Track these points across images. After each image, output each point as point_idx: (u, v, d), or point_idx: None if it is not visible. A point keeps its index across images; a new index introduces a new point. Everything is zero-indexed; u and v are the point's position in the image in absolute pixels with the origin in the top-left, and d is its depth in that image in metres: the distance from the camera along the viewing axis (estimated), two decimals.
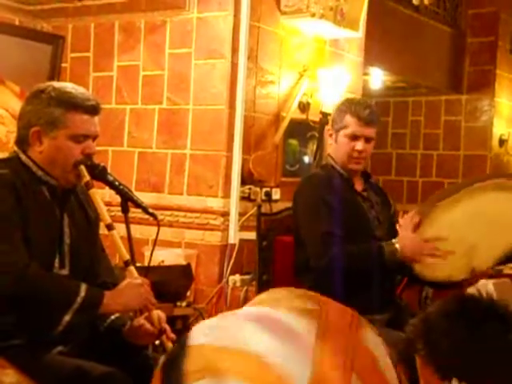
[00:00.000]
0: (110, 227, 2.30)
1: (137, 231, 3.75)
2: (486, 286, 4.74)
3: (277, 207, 4.04)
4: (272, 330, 0.89)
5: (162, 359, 1.04)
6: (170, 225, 4.19)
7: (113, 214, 2.45)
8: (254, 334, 0.88)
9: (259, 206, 3.93)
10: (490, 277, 5.09)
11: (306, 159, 4.64)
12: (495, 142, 7.36)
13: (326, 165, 3.19)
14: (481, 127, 7.34)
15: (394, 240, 2.87)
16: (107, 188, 2.41)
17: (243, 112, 4.12)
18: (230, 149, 4.11)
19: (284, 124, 4.40)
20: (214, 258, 4.10)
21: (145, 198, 2.99)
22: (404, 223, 2.89)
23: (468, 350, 1.40)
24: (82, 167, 2.30)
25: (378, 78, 6.92)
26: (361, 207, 3.06)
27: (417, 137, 7.70)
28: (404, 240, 2.85)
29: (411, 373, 1.49)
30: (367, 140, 3.02)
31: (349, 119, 3.00)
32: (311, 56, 4.57)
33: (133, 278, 2.27)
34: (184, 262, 4.04)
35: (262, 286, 3.33)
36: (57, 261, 2.28)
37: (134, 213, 2.46)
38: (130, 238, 2.33)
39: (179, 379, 0.92)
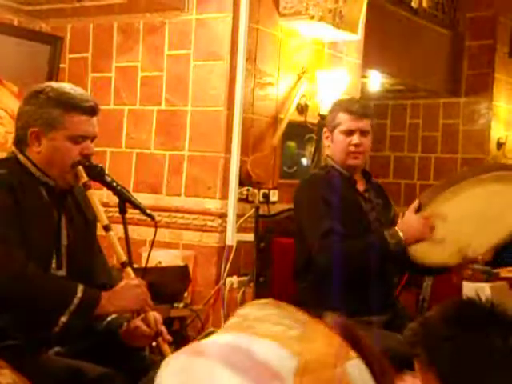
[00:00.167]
0: (107, 228, 2.29)
1: (134, 232, 3.74)
2: (484, 289, 4.75)
3: (275, 209, 4.03)
4: (244, 372, 0.82)
5: None
6: (168, 226, 4.19)
7: (110, 214, 2.45)
8: (224, 378, 0.82)
9: (257, 208, 3.92)
10: (487, 280, 5.10)
11: (304, 161, 4.64)
12: (493, 145, 7.37)
13: (326, 166, 3.20)
14: (479, 130, 7.35)
15: (395, 227, 2.89)
16: (105, 189, 2.41)
17: (241, 114, 4.12)
18: (228, 150, 4.11)
19: (282, 126, 4.40)
20: (212, 260, 4.10)
21: (143, 199, 2.98)
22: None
23: (469, 356, 1.40)
24: (80, 168, 2.30)
25: (377, 81, 6.93)
26: (362, 208, 3.06)
27: (415, 140, 7.70)
28: (404, 222, 2.86)
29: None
30: (363, 133, 3.03)
31: (341, 116, 3.03)
32: (310, 58, 4.57)
33: (130, 279, 2.27)
34: (181, 264, 4.03)
35: (260, 288, 3.33)
36: (54, 262, 2.28)
37: (132, 214, 2.46)
38: (127, 238, 2.33)
39: None
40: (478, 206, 2.88)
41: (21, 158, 2.31)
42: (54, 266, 2.28)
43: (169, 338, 2.27)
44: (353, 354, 0.86)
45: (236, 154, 4.11)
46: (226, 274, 4.04)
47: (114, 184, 2.38)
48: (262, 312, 0.89)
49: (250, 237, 3.68)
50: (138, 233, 3.88)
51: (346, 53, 4.84)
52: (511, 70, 7.57)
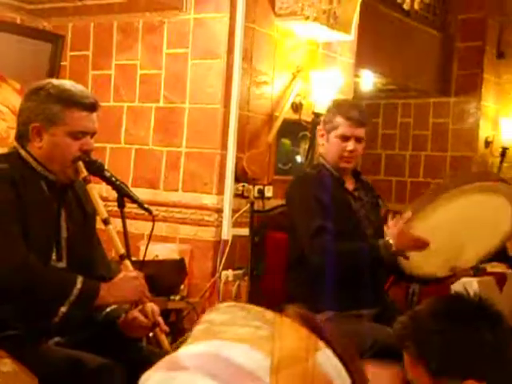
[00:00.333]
0: (106, 222, 2.30)
1: (132, 226, 3.73)
2: (471, 284, 4.76)
3: (269, 204, 4.04)
4: (224, 379, 0.82)
5: None
6: (165, 220, 4.18)
7: (109, 208, 2.44)
8: None
9: (252, 203, 3.93)
10: (475, 275, 5.11)
11: (298, 158, 4.64)
12: (481, 144, 7.38)
13: (318, 164, 3.20)
14: (467, 129, 7.36)
15: (387, 238, 2.87)
16: (104, 183, 2.41)
17: (238, 111, 4.12)
18: (224, 147, 4.11)
19: (277, 123, 4.39)
20: (208, 254, 4.09)
21: (141, 193, 2.98)
22: (395, 220, 2.89)
23: (459, 349, 1.41)
24: (80, 163, 2.30)
25: (369, 81, 6.92)
26: (351, 206, 3.06)
27: (406, 138, 7.71)
28: (395, 235, 2.84)
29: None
30: (358, 140, 3.02)
31: (339, 120, 3.01)
32: (304, 58, 4.57)
33: (128, 271, 2.27)
34: (178, 257, 4.03)
35: (254, 281, 3.33)
36: (54, 254, 2.28)
37: (130, 208, 2.46)
38: (125, 232, 2.33)
39: None
40: (463, 216, 2.87)
41: (22, 152, 2.30)
42: (54, 258, 2.27)
43: (166, 328, 2.28)
44: (321, 344, 0.87)
45: (232, 150, 4.11)
46: (221, 267, 4.04)
47: (113, 179, 2.38)
48: (227, 316, 0.89)
49: (245, 231, 3.69)
50: (135, 227, 3.87)
51: (339, 53, 4.83)
52: (499, 70, 7.58)
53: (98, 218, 2.39)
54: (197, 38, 4.21)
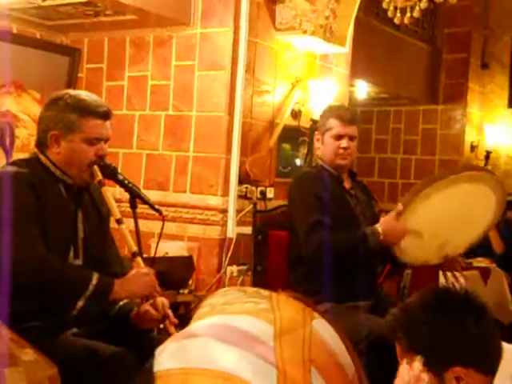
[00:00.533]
0: (119, 222, 2.29)
1: (144, 225, 3.73)
2: (458, 278, 4.74)
3: (271, 205, 4.03)
4: (234, 343, 0.83)
5: None
6: (174, 220, 4.18)
7: (122, 209, 2.44)
8: (219, 350, 0.81)
9: (255, 204, 3.92)
10: (461, 269, 5.11)
11: (298, 162, 4.63)
12: (467, 148, 7.38)
13: (316, 165, 3.19)
14: (454, 134, 7.35)
15: (376, 225, 2.87)
16: (117, 186, 2.41)
17: (241, 118, 4.11)
18: (228, 151, 4.11)
19: (278, 130, 4.39)
20: (214, 251, 4.09)
21: (151, 195, 2.98)
22: (388, 215, 2.89)
23: (445, 338, 1.40)
24: (96, 167, 2.29)
25: (363, 90, 6.92)
26: (348, 203, 3.06)
27: (397, 143, 7.70)
28: (386, 226, 2.84)
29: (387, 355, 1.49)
30: (350, 138, 3.03)
31: (332, 122, 3.02)
32: (303, 69, 4.56)
33: (140, 267, 2.26)
34: (186, 254, 4.03)
35: (257, 276, 3.32)
36: (71, 252, 2.28)
37: (142, 209, 2.45)
38: (137, 231, 2.32)
39: None
40: (453, 205, 2.86)
41: (42, 158, 2.30)
42: (71, 255, 2.27)
43: (175, 320, 2.27)
44: (315, 314, 0.89)
45: (236, 154, 4.10)
46: (226, 263, 4.04)
47: (126, 182, 2.38)
48: (227, 297, 0.90)
49: (248, 230, 3.68)
50: (147, 226, 3.87)
51: (335, 64, 4.83)
52: (483, 80, 7.58)
53: (112, 219, 2.38)
54: (203, 51, 4.21)
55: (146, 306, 2.27)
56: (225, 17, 4.12)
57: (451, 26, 7.24)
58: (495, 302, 5.13)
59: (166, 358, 0.84)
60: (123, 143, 4.46)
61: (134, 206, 2.35)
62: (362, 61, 5.67)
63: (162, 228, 2.40)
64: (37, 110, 4.07)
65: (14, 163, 2.32)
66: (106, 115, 2.33)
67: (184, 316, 3.78)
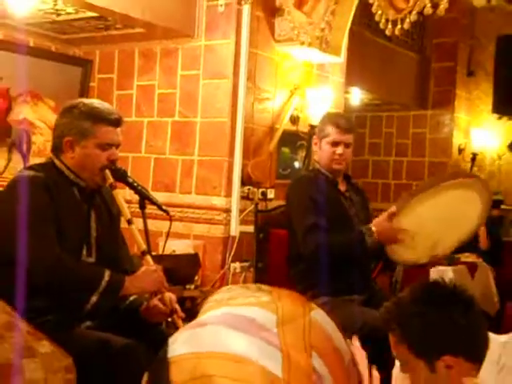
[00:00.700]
0: (129, 222, 2.29)
1: (152, 225, 3.69)
2: (447, 272, 4.75)
3: (271, 205, 4.03)
4: (242, 329, 0.84)
5: (144, 378, 0.92)
6: (181, 220, 4.18)
7: (132, 210, 2.44)
8: (229, 336, 0.83)
9: (256, 204, 3.92)
10: (450, 264, 5.11)
11: (297, 164, 4.63)
12: (455, 151, 7.38)
13: (313, 169, 3.19)
14: (443, 138, 7.35)
15: (369, 225, 2.87)
16: (127, 188, 2.41)
17: (243, 124, 4.11)
18: (231, 155, 4.10)
19: (278, 134, 4.39)
20: (218, 248, 4.09)
21: (159, 196, 2.98)
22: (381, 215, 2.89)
23: (435, 330, 1.40)
24: (107, 171, 2.29)
25: (357, 96, 6.92)
26: (343, 205, 3.05)
27: (389, 146, 7.70)
28: (379, 226, 2.84)
29: (381, 346, 1.49)
30: (346, 145, 3.03)
31: (330, 129, 3.01)
32: (301, 77, 4.56)
33: (149, 265, 2.26)
34: (192, 252, 4.03)
35: (259, 272, 3.32)
36: (85, 250, 2.27)
37: (150, 209, 2.45)
38: (146, 230, 2.32)
39: None
40: (442, 209, 2.86)
41: (57, 162, 2.30)
42: (84, 254, 2.27)
43: (182, 314, 2.27)
44: (313, 305, 0.91)
45: (238, 158, 4.10)
46: (230, 260, 4.04)
47: (135, 184, 2.38)
48: (231, 293, 0.91)
49: (250, 229, 3.68)
50: (155, 225, 3.86)
51: (331, 73, 4.83)
52: (470, 87, 7.58)
53: (123, 219, 2.38)
54: (207, 61, 4.21)
55: (155, 301, 2.27)
56: (227, 29, 4.12)
57: (439, 36, 7.24)
58: (482, 295, 5.13)
59: (179, 344, 0.86)
60: (132, 148, 4.46)
61: (143, 207, 2.35)
62: (356, 69, 5.66)
63: (170, 227, 2.40)
64: (52, 117, 4.07)
65: (31, 168, 2.32)
66: (117, 122, 2.33)
67: (190, 310, 3.78)
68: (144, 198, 2.37)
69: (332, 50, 4.42)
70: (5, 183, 2.38)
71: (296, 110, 4.49)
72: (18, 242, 2.05)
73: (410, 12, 3.47)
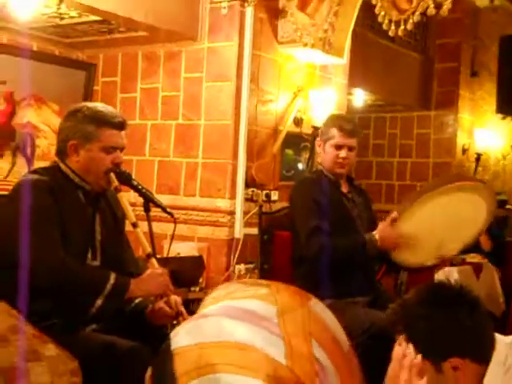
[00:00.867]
0: (134, 225, 2.29)
1: (157, 227, 3.70)
2: (452, 273, 4.74)
3: (275, 207, 4.03)
4: (243, 319, 0.85)
5: (148, 371, 0.93)
6: (185, 222, 4.18)
7: (137, 213, 2.44)
8: (231, 325, 0.83)
9: (260, 206, 3.92)
10: (454, 265, 5.10)
11: (300, 166, 4.63)
12: (459, 151, 7.36)
13: (317, 170, 3.19)
14: (447, 138, 7.34)
15: (374, 232, 2.87)
16: (132, 191, 2.41)
17: (247, 126, 4.11)
18: (235, 157, 4.11)
19: (281, 136, 4.39)
20: (223, 250, 4.09)
21: (164, 199, 2.97)
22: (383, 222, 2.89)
23: (443, 331, 1.40)
24: (112, 174, 2.30)
25: (361, 98, 6.91)
26: (345, 206, 3.05)
27: (393, 147, 7.69)
28: (382, 233, 2.84)
29: (388, 347, 1.49)
30: (350, 149, 3.02)
31: (334, 132, 3.01)
32: (304, 79, 4.56)
33: (154, 268, 2.26)
34: (197, 254, 4.03)
35: (263, 274, 3.32)
36: (90, 254, 2.28)
37: (155, 212, 2.45)
38: (151, 233, 2.32)
39: None
40: (445, 213, 2.86)
41: (62, 166, 2.31)
42: (89, 257, 2.27)
43: (188, 317, 2.26)
44: (311, 296, 0.93)
45: (242, 160, 4.11)
46: (234, 262, 4.04)
47: (140, 187, 2.38)
48: (229, 289, 0.93)
49: (254, 231, 3.68)
50: (160, 228, 3.86)
51: (334, 74, 4.83)
52: (473, 88, 7.56)
53: (127, 222, 2.39)
54: (210, 63, 4.21)
55: (161, 304, 2.27)
56: (230, 32, 4.13)
57: (442, 37, 7.23)
58: (487, 295, 5.12)
59: (182, 336, 0.87)
60: (136, 151, 4.47)
61: (147, 210, 2.35)
62: (359, 71, 5.66)
63: (174, 230, 2.40)
64: (56, 121, 4.08)
65: (35, 171, 2.33)
66: (121, 125, 2.33)
67: (195, 312, 3.78)
68: (148, 201, 2.37)
69: (335, 51, 4.42)
70: (9, 187, 2.38)
71: (299, 112, 4.49)
72: (23, 245, 2.06)
73: (413, 13, 3.46)
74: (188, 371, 0.81)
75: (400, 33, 3.55)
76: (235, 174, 4.10)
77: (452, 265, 5.06)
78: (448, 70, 7.23)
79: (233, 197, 4.10)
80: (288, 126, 4.42)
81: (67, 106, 2.51)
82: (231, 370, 0.79)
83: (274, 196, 4.30)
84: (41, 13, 3.96)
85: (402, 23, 3.51)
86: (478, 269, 5.39)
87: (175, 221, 2.42)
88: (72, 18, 4.10)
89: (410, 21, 3.48)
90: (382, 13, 3.55)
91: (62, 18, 4.12)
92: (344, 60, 4.64)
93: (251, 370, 0.79)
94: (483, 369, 1.43)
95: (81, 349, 2.05)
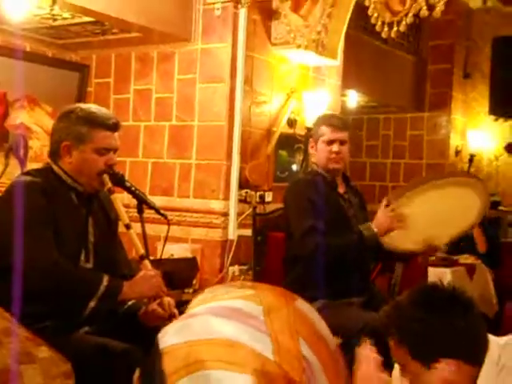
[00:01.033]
0: (128, 226, 2.29)
1: (150, 229, 3.68)
2: (446, 274, 4.75)
3: (269, 208, 4.02)
4: (231, 317, 0.86)
5: (137, 372, 0.94)
6: (179, 223, 4.17)
7: (130, 214, 2.43)
8: (219, 323, 0.84)
9: (254, 207, 3.92)
10: (447, 266, 5.11)
11: (294, 167, 4.63)
12: (452, 152, 7.39)
13: (312, 171, 3.20)
14: (440, 140, 7.36)
15: (368, 223, 2.90)
16: (125, 193, 2.40)
17: (240, 127, 4.11)
18: (229, 158, 4.10)
19: (275, 137, 4.39)
20: (216, 252, 4.09)
21: (157, 200, 2.97)
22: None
23: (435, 333, 1.40)
24: (105, 176, 2.29)
25: (354, 99, 6.92)
26: (341, 206, 3.06)
27: (387, 148, 7.71)
28: (378, 219, 2.87)
29: (381, 348, 1.49)
30: (341, 143, 3.05)
31: (324, 128, 3.04)
32: (297, 80, 4.57)
33: (147, 270, 2.26)
34: (190, 255, 4.02)
35: (257, 275, 3.32)
36: (83, 255, 2.27)
37: (148, 213, 2.45)
38: (144, 235, 2.32)
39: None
40: (438, 204, 2.90)
41: (55, 167, 2.30)
42: (82, 259, 2.27)
43: None
44: (296, 296, 0.96)
45: (236, 161, 4.10)
46: (228, 263, 4.03)
47: (133, 189, 2.38)
48: (216, 292, 0.94)
49: (248, 232, 3.68)
50: (153, 229, 3.85)
51: (327, 76, 4.83)
52: (466, 89, 7.59)
53: (121, 223, 2.38)
54: (204, 65, 4.21)
55: (154, 306, 2.27)
56: (224, 33, 4.12)
57: (435, 38, 7.25)
58: (480, 296, 5.13)
59: (170, 336, 0.88)
60: (130, 152, 4.46)
61: (141, 211, 2.35)
62: (353, 72, 5.67)
63: (168, 231, 2.40)
64: (49, 122, 4.07)
65: (28, 173, 2.32)
66: (114, 127, 2.33)
67: None
68: (142, 203, 2.37)
69: (328, 52, 4.42)
70: (2, 189, 2.37)
71: (293, 113, 4.50)
72: (16, 247, 2.05)
73: (406, 14, 3.47)
74: (177, 369, 0.82)
75: (393, 34, 3.56)
76: (229, 176, 4.10)
77: (445, 266, 5.07)
78: (441, 71, 7.26)
79: (226, 198, 4.10)
80: (282, 128, 4.43)
81: (60, 107, 2.50)
82: (220, 367, 0.80)
83: (268, 197, 4.30)
84: (34, 14, 3.95)
85: (395, 25, 3.52)
86: (471, 270, 5.40)
87: (169, 222, 2.41)
88: (65, 19, 4.09)
89: (403, 22, 3.49)
90: (375, 14, 3.56)
91: (55, 20, 4.11)
92: (337, 61, 4.64)
93: (239, 365, 0.80)
94: (476, 370, 1.44)
95: (74, 351, 2.04)
